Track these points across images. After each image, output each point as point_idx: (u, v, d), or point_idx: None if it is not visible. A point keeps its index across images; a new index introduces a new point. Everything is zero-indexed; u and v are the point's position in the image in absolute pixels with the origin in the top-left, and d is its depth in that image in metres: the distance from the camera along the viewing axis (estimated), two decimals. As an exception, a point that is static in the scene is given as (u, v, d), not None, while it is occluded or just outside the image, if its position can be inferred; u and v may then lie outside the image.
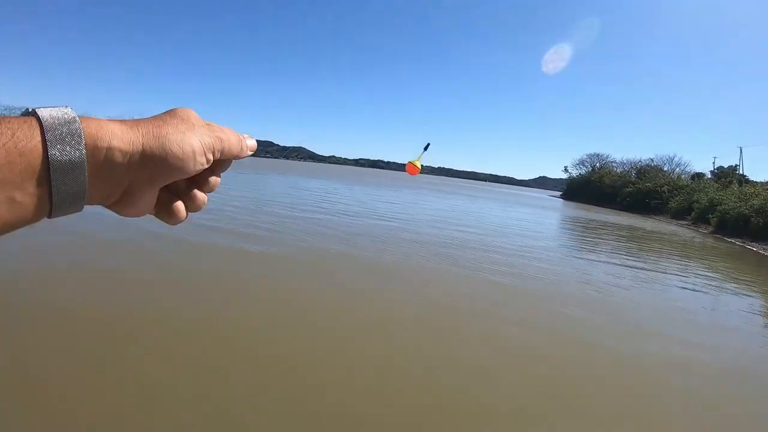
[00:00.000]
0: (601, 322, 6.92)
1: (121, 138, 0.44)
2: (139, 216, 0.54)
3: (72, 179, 0.40)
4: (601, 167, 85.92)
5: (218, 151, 0.53)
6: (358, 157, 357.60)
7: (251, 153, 0.59)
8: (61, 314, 5.03)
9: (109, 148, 0.43)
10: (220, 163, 0.57)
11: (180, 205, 0.56)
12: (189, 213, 0.58)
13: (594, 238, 19.99)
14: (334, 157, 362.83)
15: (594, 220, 33.05)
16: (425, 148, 1.33)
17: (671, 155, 71.30)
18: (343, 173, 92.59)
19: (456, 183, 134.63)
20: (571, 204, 66.05)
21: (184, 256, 8.68)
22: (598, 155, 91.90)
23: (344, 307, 6.39)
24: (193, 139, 0.49)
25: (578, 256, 13.90)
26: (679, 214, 42.50)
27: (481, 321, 6.24)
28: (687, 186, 48.72)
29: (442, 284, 8.28)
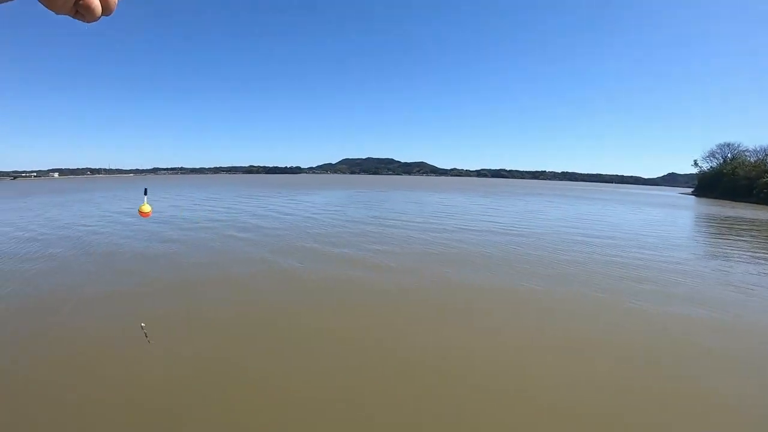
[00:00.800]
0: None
1: None
2: (62, 10, 0.62)
3: None
4: (732, 158, 75.75)
5: None
6: (480, 168, 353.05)
7: None
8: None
9: None
10: None
11: (96, 1, 0.64)
12: (103, 15, 0.66)
13: (738, 240, 18.35)
14: (455, 169, 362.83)
15: (730, 217, 30.85)
16: (145, 193, 1.66)
17: (808, 135, 59.93)
18: (464, 185, 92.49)
19: (580, 187, 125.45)
20: (704, 201, 59.75)
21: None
22: (728, 145, 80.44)
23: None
24: None
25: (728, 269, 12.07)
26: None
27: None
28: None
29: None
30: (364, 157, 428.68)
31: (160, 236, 15.74)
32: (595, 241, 15.95)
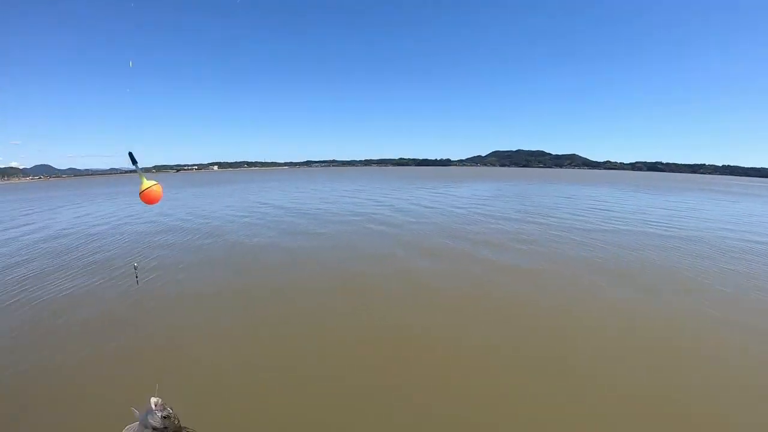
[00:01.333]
0: None
1: None
2: None
3: None
4: None
5: None
6: (635, 161, 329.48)
7: None
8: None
9: None
10: None
11: None
12: None
13: None
14: (608, 162, 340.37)
15: None
16: (133, 163, 1.36)
17: None
18: (617, 179, 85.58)
19: (744, 182, 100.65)
20: None
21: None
22: None
23: None
24: None
25: None
26: None
27: None
28: None
29: None
30: (514, 150, 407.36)
31: (300, 228, 16.33)
32: (759, 248, 13.99)
